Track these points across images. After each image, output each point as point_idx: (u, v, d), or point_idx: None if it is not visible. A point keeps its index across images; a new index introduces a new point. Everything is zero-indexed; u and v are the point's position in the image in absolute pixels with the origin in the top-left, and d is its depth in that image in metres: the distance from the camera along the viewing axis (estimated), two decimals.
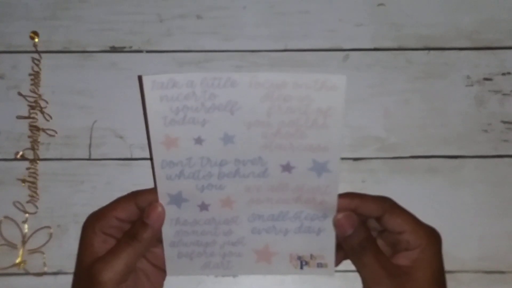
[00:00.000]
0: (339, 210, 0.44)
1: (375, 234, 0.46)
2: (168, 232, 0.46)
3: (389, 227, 0.45)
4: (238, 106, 0.42)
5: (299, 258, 0.47)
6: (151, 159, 0.44)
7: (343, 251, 0.46)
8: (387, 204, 0.45)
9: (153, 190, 0.45)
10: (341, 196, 0.44)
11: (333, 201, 0.44)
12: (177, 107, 0.42)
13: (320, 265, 0.46)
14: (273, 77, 0.41)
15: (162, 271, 0.47)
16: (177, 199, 0.45)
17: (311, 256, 0.46)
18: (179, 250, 0.46)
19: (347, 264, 0.46)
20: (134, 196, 0.45)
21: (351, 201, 0.45)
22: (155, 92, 0.41)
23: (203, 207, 0.45)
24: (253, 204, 0.45)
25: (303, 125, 0.42)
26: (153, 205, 0.45)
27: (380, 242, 0.46)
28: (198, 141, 0.43)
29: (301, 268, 0.47)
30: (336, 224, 0.45)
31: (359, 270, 0.45)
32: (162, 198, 0.45)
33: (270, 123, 0.42)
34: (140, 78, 0.42)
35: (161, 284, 0.48)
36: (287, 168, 0.44)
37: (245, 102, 0.41)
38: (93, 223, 0.45)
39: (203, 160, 0.43)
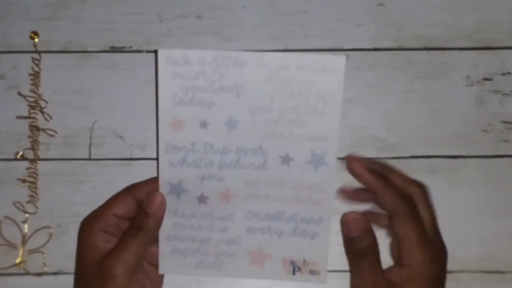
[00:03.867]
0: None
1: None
2: (165, 223, 0.46)
3: (392, 231, 0.45)
4: (244, 89, 0.44)
5: (292, 262, 0.47)
6: (157, 144, 0.45)
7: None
8: (401, 208, 0.44)
9: (151, 181, 0.46)
10: (370, 171, 0.45)
11: (329, 201, 0.45)
12: (187, 86, 0.44)
13: (312, 272, 0.46)
14: (278, 57, 0.43)
15: None
16: (177, 189, 0.45)
17: (304, 262, 0.47)
18: (174, 245, 0.47)
19: (347, 264, 0.46)
20: (131, 189, 0.46)
21: (375, 183, 0.44)
22: (168, 68, 0.44)
23: (202, 199, 0.46)
24: (251, 200, 0.46)
25: (303, 112, 0.44)
26: (153, 194, 0.45)
27: (391, 232, 0.46)
28: (204, 124, 0.44)
29: (293, 274, 0.47)
30: (344, 223, 0.45)
31: (351, 272, 0.45)
32: (163, 187, 0.45)
33: (272, 109, 0.44)
34: (156, 52, 0.44)
35: (161, 282, 0.48)
36: (286, 160, 0.45)
37: (251, 85, 0.44)
38: (91, 224, 0.45)
39: (206, 146, 0.45)
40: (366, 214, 0.46)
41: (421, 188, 0.46)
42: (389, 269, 0.45)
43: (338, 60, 0.43)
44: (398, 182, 0.46)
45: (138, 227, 0.44)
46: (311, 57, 0.43)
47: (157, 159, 0.45)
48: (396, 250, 0.45)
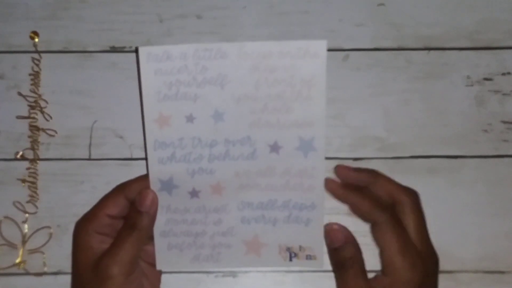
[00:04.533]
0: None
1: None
2: (159, 220, 0.46)
3: (375, 239, 0.45)
4: (228, 80, 0.44)
5: (288, 249, 0.47)
6: (144, 142, 0.45)
7: None
8: (380, 218, 0.44)
9: (141, 179, 0.46)
10: (353, 169, 0.46)
11: (320, 186, 0.45)
12: (171, 81, 0.44)
13: (309, 257, 0.47)
14: (259, 46, 0.43)
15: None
16: (168, 185, 0.45)
17: (300, 248, 0.47)
18: (169, 240, 0.47)
19: None
20: (122, 189, 0.46)
21: (343, 170, 0.46)
22: (150, 65, 0.43)
23: (194, 193, 0.46)
24: (242, 191, 0.46)
25: (288, 99, 0.44)
26: (144, 192, 0.45)
27: None
28: (190, 119, 0.44)
29: (290, 260, 0.47)
30: (326, 234, 0.45)
31: (336, 279, 0.45)
32: (154, 185, 0.45)
33: (257, 97, 0.44)
34: (136, 50, 0.43)
35: (159, 280, 0.48)
36: (274, 148, 0.45)
37: (234, 75, 0.44)
38: (86, 226, 0.45)
39: (194, 140, 0.45)
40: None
41: (411, 196, 0.45)
42: (374, 278, 0.45)
43: (320, 45, 0.43)
44: (386, 189, 0.46)
45: (132, 225, 0.44)
46: (293, 43, 0.43)
47: (145, 157, 0.45)
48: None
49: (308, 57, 0.43)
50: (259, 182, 0.46)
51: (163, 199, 0.46)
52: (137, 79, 0.51)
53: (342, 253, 0.44)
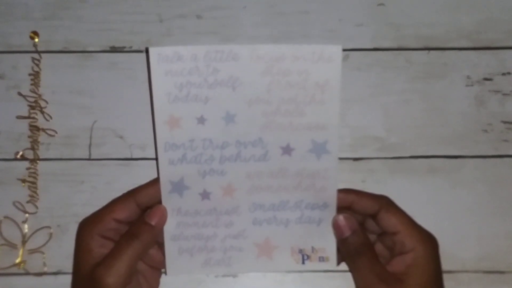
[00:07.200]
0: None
1: (375, 237, 0.46)
2: (169, 224, 0.46)
3: (384, 225, 0.45)
4: (240, 82, 0.43)
5: (301, 251, 0.47)
6: (155, 143, 0.45)
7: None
8: (383, 201, 0.45)
9: (152, 183, 0.45)
10: (338, 191, 0.45)
11: (333, 187, 0.45)
12: (181, 83, 0.43)
13: (321, 259, 0.46)
14: (272, 49, 0.43)
15: (157, 270, 0.47)
16: (179, 187, 0.45)
17: (313, 249, 0.47)
18: (180, 244, 0.46)
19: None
20: (133, 194, 0.45)
21: (347, 196, 0.45)
22: (160, 65, 0.43)
23: (205, 195, 0.46)
24: (254, 192, 0.46)
25: (301, 102, 0.44)
26: (156, 207, 0.45)
27: (379, 246, 0.46)
28: (201, 120, 0.44)
29: (303, 263, 0.47)
30: (334, 225, 0.45)
31: (352, 273, 0.45)
32: (164, 186, 0.45)
33: (270, 100, 0.44)
34: (147, 50, 0.42)
35: (158, 283, 0.48)
36: (287, 150, 0.45)
37: (246, 77, 0.43)
38: (90, 227, 0.44)
39: (205, 142, 0.45)
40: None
41: (386, 198, 0.46)
42: (391, 262, 0.44)
43: (335, 50, 0.43)
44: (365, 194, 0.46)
45: (133, 234, 0.43)
46: (307, 47, 0.43)
47: (156, 158, 0.45)
48: (390, 244, 0.45)
49: (322, 62, 0.43)
50: (271, 183, 0.46)
51: (174, 202, 0.45)
52: (138, 79, 0.51)
53: (352, 241, 0.44)
